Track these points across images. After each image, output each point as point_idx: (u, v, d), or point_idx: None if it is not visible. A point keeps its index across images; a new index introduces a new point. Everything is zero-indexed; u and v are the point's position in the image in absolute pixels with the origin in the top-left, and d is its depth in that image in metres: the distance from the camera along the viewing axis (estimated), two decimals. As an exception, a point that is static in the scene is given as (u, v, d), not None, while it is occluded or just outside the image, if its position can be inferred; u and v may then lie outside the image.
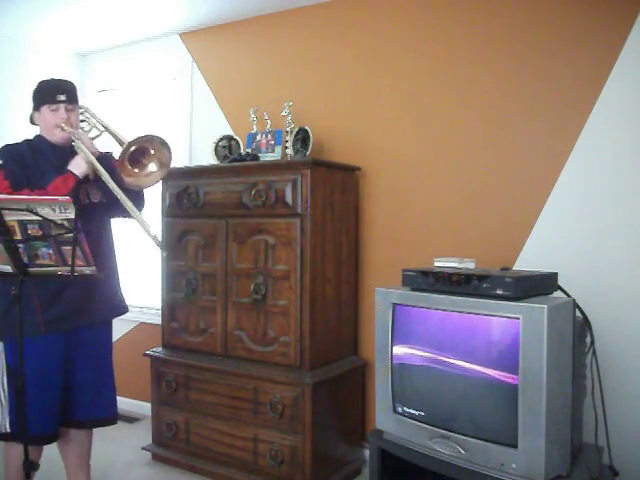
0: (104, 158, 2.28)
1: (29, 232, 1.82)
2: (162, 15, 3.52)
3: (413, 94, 3.00)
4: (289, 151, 3.03)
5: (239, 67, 3.60)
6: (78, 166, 2.20)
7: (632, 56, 2.45)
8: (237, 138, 3.32)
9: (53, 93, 2.25)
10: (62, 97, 2.24)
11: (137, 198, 2.36)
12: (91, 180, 2.29)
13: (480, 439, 1.97)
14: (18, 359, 1.93)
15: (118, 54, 4.12)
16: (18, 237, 1.83)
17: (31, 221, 1.80)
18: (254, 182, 2.85)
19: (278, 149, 3.12)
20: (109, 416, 2.43)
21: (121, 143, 2.21)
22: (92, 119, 2.43)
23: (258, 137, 3.20)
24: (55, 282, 2.14)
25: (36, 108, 2.30)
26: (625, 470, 2.23)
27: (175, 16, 3.54)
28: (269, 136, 3.16)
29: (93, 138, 2.37)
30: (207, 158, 3.40)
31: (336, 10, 3.23)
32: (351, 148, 3.16)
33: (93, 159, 2.20)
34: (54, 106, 2.24)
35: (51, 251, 1.86)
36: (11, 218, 1.80)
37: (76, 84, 2.41)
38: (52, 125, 2.25)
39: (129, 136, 2.19)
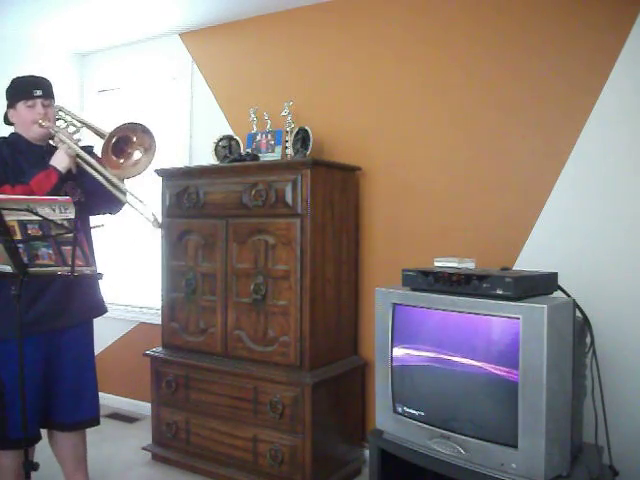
0: (87, 152, 2.25)
1: (29, 232, 1.82)
2: (162, 15, 3.52)
3: (413, 95, 3.00)
4: (289, 151, 3.03)
5: (239, 67, 3.60)
6: (60, 161, 2.16)
7: (630, 59, 2.46)
8: (237, 138, 3.32)
9: (29, 89, 2.20)
10: (38, 92, 2.20)
11: (111, 201, 2.33)
12: (69, 179, 2.24)
13: (480, 439, 1.97)
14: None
15: (118, 54, 4.12)
16: (18, 237, 1.82)
17: (31, 221, 1.80)
18: (254, 182, 2.85)
19: (278, 149, 3.12)
20: (92, 417, 2.38)
21: (102, 136, 2.18)
22: (67, 117, 2.38)
23: (258, 137, 3.20)
24: (35, 283, 2.07)
25: (11, 105, 2.24)
26: (625, 470, 2.23)
27: (175, 16, 3.54)
28: (269, 136, 3.17)
29: (72, 133, 2.32)
30: (207, 158, 3.40)
31: (336, 10, 3.23)
32: (351, 148, 3.16)
33: (77, 148, 2.17)
34: (30, 102, 2.20)
35: (51, 251, 1.86)
36: (11, 218, 1.79)
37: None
38: (29, 121, 2.21)
39: (110, 128, 2.16)
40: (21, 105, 2.21)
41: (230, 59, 3.65)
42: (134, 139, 2.18)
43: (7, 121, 2.30)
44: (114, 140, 2.14)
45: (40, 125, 2.21)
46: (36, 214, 1.77)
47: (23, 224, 1.81)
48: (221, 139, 3.31)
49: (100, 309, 2.45)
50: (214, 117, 3.68)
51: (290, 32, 3.40)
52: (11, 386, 2.11)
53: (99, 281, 2.42)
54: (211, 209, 3.02)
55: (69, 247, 1.83)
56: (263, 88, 3.47)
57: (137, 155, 2.20)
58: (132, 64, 4.06)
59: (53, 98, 2.30)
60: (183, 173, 3.14)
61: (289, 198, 2.75)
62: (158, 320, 3.37)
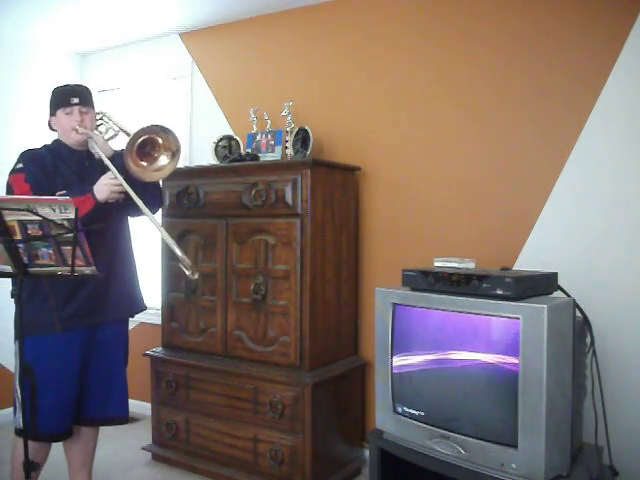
0: (118, 156, 2.29)
1: (29, 232, 1.82)
2: (162, 15, 3.52)
3: (413, 95, 3.00)
4: (289, 151, 3.03)
5: (239, 67, 3.60)
6: (100, 191, 2.18)
7: (632, 57, 2.45)
8: (237, 138, 3.32)
9: (67, 97, 2.30)
10: (75, 100, 2.29)
11: (154, 197, 2.39)
12: (105, 205, 2.27)
13: (480, 439, 1.97)
14: (30, 357, 2.00)
15: (118, 54, 4.12)
16: (18, 237, 1.82)
17: (31, 221, 1.80)
18: (254, 182, 2.85)
19: (278, 149, 3.12)
20: (120, 416, 2.46)
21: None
22: (109, 122, 2.47)
23: (258, 137, 3.20)
24: (71, 280, 2.13)
25: (52, 113, 2.34)
26: (625, 470, 2.23)
27: (175, 16, 3.54)
28: (269, 136, 3.17)
29: (109, 139, 2.40)
30: (207, 158, 3.40)
31: (336, 10, 3.23)
32: (351, 148, 3.16)
33: (111, 166, 2.19)
34: (68, 109, 2.29)
35: (51, 251, 1.86)
36: (11, 218, 1.79)
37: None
38: (67, 128, 2.29)
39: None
40: (60, 112, 2.30)
41: (230, 59, 3.65)
42: (160, 141, 2.22)
43: (51, 128, 2.39)
44: (140, 140, 2.17)
45: (77, 131, 2.28)
46: (36, 214, 1.77)
47: (23, 224, 1.81)
48: (221, 139, 3.31)
49: (137, 307, 2.50)
50: (214, 117, 3.68)
51: (290, 32, 3.40)
52: (43, 380, 2.18)
53: (137, 279, 2.49)
54: (211, 209, 3.01)
55: (69, 247, 1.83)
56: (263, 88, 3.47)
57: (163, 160, 2.24)
58: (132, 64, 4.06)
59: (91, 106, 2.37)
60: (183, 173, 3.13)
61: (289, 198, 2.75)
62: (158, 320, 3.37)
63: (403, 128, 3.03)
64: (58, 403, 2.22)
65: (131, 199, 2.18)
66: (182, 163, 3.70)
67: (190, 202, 3.07)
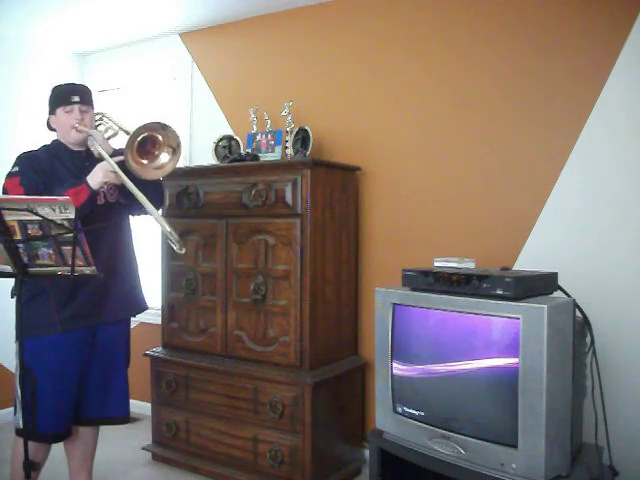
0: (118, 155, 2.26)
1: (29, 232, 1.82)
2: (162, 15, 3.52)
3: (413, 94, 3.00)
4: (289, 151, 3.03)
5: (239, 67, 3.60)
6: (95, 178, 2.17)
7: (632, 56, 2.46)
8: (237, 138, 3.32)
9: (67, 95, 2.28)
10: (76, 98, 2.27)
11: (156, 194, 2.35)
12: (100, 191, 2.26)
13: (480, 439, 1.97)
14: (31, 358, 2.00)
15: (118, 54, 4.12)
16: (18, 237, 1.82)
17: (31, 221, 1.80)
18: (254, 182, 2.85)
19: (278, 149, 3.12)
20: (120, 415, 2.44)
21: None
22: (109, 122, 2.44)
23: (258, 137, 3.20)
24: (72, 281, 2.12)
25: (52, 112, 2.32)
26: (625, 470, 2.23)
27: (175, 16, 3.54)
28: (269, 136, 3.17)
29: (108, 138, 2.37)
30: (207, 158, 3.40)
31: (336, 10, 3.23)
32: (351, 148, 3.16)
33: (114, 163, 2.17)
34: (68, 107, 2.27)
35: (51, 251, 1.86)
36: (11, 218, 1.79)
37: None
38: (67, 126, 2.27)
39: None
40: (60, 111, 2.28)
41: (230, 59, 3.65)
42: (160, 138, 2.20)
43: (50, 127, 2.37)
44: (139, 139, 2.15)
45: (77, 130, 2.26)
46: (36, 214, 1.77)
47: (23, 224, 1.81)
48: (221, 139, 3.31)
49: (138, 307, 2.48)
50: (214, 117, 3.68)
51: (290, 32, 3.40)
52: (43, 381, 2.17)
53: (139, 279, 2.47)
54: (211, 209, 3.01)
55: (69, 247, 1.83)
56: (263, 88, 3.47)
57: (164, 158, 2.22)
58: (132, 64, 4.06)
59: (91, 105, 2.36)
60: (183, 173, 3.13)
61: (289, 198, 2.75)
62: (158, 320, 3.37)
63: (403, 128, 3.03)
64: (58, 404, 2.21)
65: (132, 197, 2.16)
66: (182, 163, 3.70)
67: (190, 202, 3.07)
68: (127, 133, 2.29)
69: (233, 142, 3.31)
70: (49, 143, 2.34)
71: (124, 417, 2.47)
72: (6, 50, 3.80)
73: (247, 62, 3.57)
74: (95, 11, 3.44)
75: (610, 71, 2.50)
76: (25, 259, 1.87)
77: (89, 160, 2.29)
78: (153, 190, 2.31)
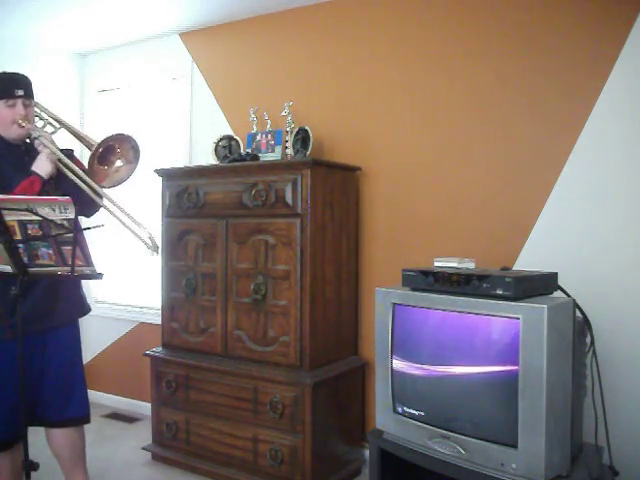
0: (66, 156, 2.21)
1: (29, 232, 1.82)
2: (162, 15, 3.52)
3: (413, 94, 3.00)
4: (289, 151, 3.03)
5: (239, 67, 3.60)
6: (42, 167, 2.12)
7: (634, 54, 2.45)
8: (237, 138, 3.32)
9: (10, 87, 2.11)
10: (20, 92, 2.12)
11: (89, 201, 2.25)
12: (46, 181, 2.19)
13: (480, 439, 1.97)
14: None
15: (118, 54, 4.12)
16: (18, 237, 1.82)
17: (31, 221, 1.80)
18: (254, 182, 2.85)
19: (278, 149, 3.12)
20: (82, 415, 2.37)
21: (79, 138, 2.15)
22: (43, 114, 2.32)
23: (258, 137, 3.20)
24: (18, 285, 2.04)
25: None
26: (625, 470, 2.23)
27: (175, 16, 3.54)
28: (269, 136, 3.17)
29: (51, 134, 2.27)
30: (207, 158, 3.40)
31: (336, 10, 3.23)
32: (351, 148, 3.16)
33: (60, 154, 2.13)
34: (11, 101, 2.12)
35: (51, 251, 1.86)
36: (11, 218, 1.79)
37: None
38: (9, 121, 2.14)
39: (85, 131, 2.16)
40: (1, 104, 2.14)
41: (230, 59, 3.65)
42: (118, 149, 2.17)
43: None
44: (100, 150, 2.12)
45: (20, 125, 2.14)
46: (36, 214, 1.77)
47: (23, 224, 1.81)
48: (221, 139, 3.31)
49: (85, 308, 2.43)
50: (214, 117, 3.68)
51: (290, 32, 3.40)
52: None
53: (80, 281, 2.39)
54: (211, 209, 3.01)
55: (69, 247, 1.83)
56: (263, 88, 3.47)
57: (119, 163, 2.19)
58: (132, 64, 4.06)
59: (33, 98, 2.23)
60: (183, 173, 3.14)
61: (289, 198, 2.75)
62: (158, 320, 3.37)
63: (403, 128, 3.03)
64: (5, 411, 2.13)
65: (79, 198, 2.06)
66: (182, 163, 3.70)
67: (190, 202, 3.07)
68: (60, 123, 2.25)
69: (233, 142, 3.31)
70: None
71: (85, 416, 2.39)
72: (6, 50, 3.80)
73: (247, 62, 3.57)
74: (95, 11, 3.44)
75: (611, 70, 2.49)
76: (25, 259, 1.87)
77: (28, 155, 2.20)
78: (88, 198, 2.23)
